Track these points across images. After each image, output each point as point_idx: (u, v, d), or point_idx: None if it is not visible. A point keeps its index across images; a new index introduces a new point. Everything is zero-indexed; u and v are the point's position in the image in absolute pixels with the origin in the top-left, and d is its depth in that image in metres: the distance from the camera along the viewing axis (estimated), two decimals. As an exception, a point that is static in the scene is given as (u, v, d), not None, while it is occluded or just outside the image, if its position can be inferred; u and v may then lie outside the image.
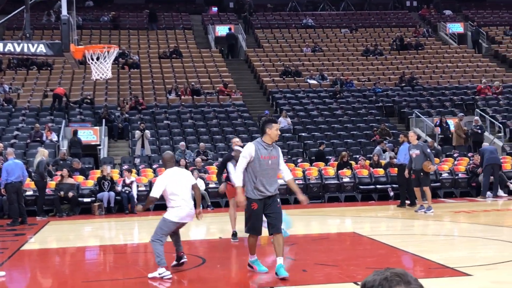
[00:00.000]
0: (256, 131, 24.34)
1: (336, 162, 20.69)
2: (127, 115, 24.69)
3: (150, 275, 8.27)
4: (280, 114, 25.24)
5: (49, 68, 28.58)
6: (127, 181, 18.37)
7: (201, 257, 10.18)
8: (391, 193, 19.30)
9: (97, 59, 9.11)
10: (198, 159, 20.22)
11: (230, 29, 33.66)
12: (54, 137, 22.35)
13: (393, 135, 23.45)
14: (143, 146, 22.31)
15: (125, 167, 20.28)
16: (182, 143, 21.89)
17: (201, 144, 21.99)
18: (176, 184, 8.36)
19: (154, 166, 20.83)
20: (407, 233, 12.91)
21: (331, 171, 20.20)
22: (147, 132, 22.54)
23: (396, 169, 17.65)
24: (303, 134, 24.08)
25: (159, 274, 8.20)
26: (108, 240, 13.89)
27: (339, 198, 19.73)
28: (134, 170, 20.11)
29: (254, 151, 7.86)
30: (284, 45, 33.28)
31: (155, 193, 8.28)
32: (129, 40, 31.64)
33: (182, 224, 8.70)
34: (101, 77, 9.18)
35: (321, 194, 19.83)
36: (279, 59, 31.31)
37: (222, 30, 33.92)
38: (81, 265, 10.20)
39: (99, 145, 22.71)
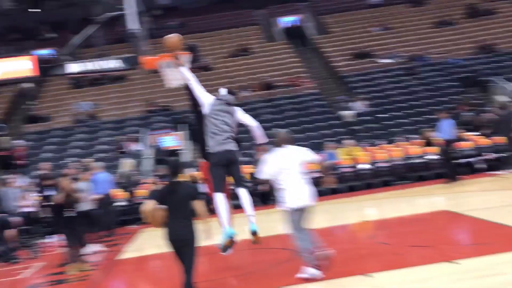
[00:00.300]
0: (334, 118, 24.17)
1: (421, 141, 20.24)
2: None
3: (299, 275, 7.68)
4: (355, 98, 24.92)
5: (126, 81, 29.32)
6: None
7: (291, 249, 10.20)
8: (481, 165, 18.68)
9: (168, 66, 9.25)
10: (279, 152, 20.25)
11: (295, 19, 33.52)
12: (138, 147, 22.96)
13: (477, 106, 22.70)
14: (224, 145, 22.54)
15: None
16: (262, 138, 21.97)
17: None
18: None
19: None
20: (504, 205, 12.38)
21: (416, 150, 19.79)
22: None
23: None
24: (381, 115, 23.69)
25: (308, 274, 7.58)
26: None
27: (427, 177, 19.28)
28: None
29: None
30: (352, 28, 32.79)
31: (264, 174, 7.93)
32: (199, 43, 32.01)
33: (304, 211, 7.96)
34: (173, 85, 9.32)
35: (408, 174, 19.44)
36: (349, 42, 30.90)
37: (287, 21, 33.81)
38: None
39: (183, 149, 23.15)
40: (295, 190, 7.77)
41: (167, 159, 7.15)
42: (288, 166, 7.80)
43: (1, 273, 12.17)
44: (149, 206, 6.79)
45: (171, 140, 23.52)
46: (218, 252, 8.28)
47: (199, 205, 6.76)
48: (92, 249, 12.73)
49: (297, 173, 7.83)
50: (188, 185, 7.11)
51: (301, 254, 7.69)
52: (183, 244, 6.70)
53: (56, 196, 10.72)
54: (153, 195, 6.96)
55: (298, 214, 7.85)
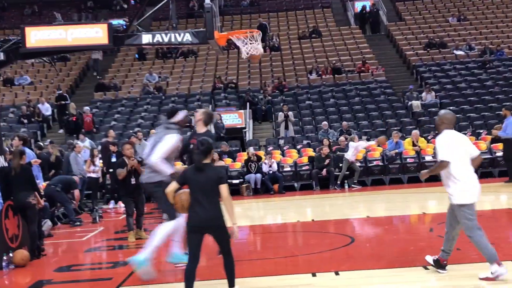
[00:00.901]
0: (400, 107, 23.76)
1: (489, 136, 19.68)
2: (270, 98, 25.05)
3: (481, 276, 6.69)
4: (424, 88, 24.43)
5: (194, 56, 29.63)
6: (267, 163, 18.67)
7: (349, 236, 10.14)
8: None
9: (244, 44, 9.26)
10: (342, 138, 20.10)
11: (369, 4, 32.98)
12: (202, 122, 23.16)
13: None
14: (286, 127, 22.54)
15: (270, 148, 20.63)
16: (325, 122, 21.85)
17: (344, 123, 21.82)
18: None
19: (298, 147, 20.99)
20: None
21: (483, 145, 19.25)
22: (291, 114, 22.71)
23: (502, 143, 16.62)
24: (451, 108, 23.11)
25: (492, 273, 6.57)
26: (258, 220, 14.21)
27: (492, 173, 18.77)
28: (278, 151, 20.41)
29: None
30: (427, 16, 32.08)
31: (447, 156, 6.69)
32: (269, 23, 31.98)
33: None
34: (254, 54, 9.30)
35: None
36: (422, 31, 30.25)
37: (361, 5, 33.33)
38: (232, 244, 10.49)
39: (245, 127, 23.25)
40: (472, 182, 6.80)
41: (201, 139, 6.42)
42: (463, 153, 6.77)
43: (64, 235, 12.55)
44: (171, 188, 6.38)
45: (234, 118, 23.64)
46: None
47: (224, 189, 6.21)
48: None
49: (469, 162, 6.83)
50: (214, 167, 6.49)
51: (483, 252, 6.76)
52: (212, 230, 6.23)
53: (121, 170, 10.93)
54: (177, 177, 6.48)
55: (473, 209, 6.84)
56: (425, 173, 7.28)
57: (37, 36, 9.21)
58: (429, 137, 20.42)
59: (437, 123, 6.98)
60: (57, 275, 8.51)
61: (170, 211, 7.41)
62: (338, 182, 18.37)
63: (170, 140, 7.74)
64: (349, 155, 18.31)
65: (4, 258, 8.84)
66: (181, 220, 7.54)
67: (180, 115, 8.03)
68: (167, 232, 7.65)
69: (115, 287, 7.39)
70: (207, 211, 6.13)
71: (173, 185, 6.36)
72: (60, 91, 25.11)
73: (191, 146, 8.00)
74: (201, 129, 8.17)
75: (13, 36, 10.22)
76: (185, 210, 6.33)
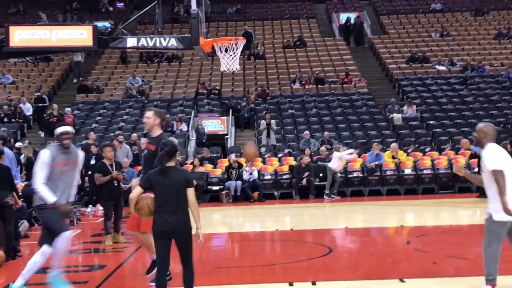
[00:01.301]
0: (382, 120, 23.92)
1: (468, 151, 19.87)
2: (252, 105, 25.08)
3: None
4: (405, 102, 24.62)
5: (178, 61, 29.60)
6: (248, 170, 18.69)
7: (327, 246, 10.17)
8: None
9: (226, 51, 9.30)
10: (323, 148, 20.18)
11: (353, 17, 33.20)
12: (184, 127, 23.15)
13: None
14: (268, 135, 22.57)
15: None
16: (307, 132, 21.93)
17: (326, 133, 21.91)
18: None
19: (280, 155, 21.03)
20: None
21: (462, 160, 19.44)
22: (273, 122, 22.76)
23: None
24: (431, 122, 23.33)
25: None
26: (236, 227, 14.20)
27: (470, 188, 18.93)
28: (259, 159, 20.43)
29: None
30: (410, 31, 32.35)
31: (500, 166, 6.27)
32: (254, 31, 32.06)
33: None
34: (229, 69, 9.35)
35: (451, 184, 19.14)
36: (405, 45, 30.49)
37: (346, 17, 33.53)
38: (210, 251, 10.50)
39: (227, 134, 23.26)
40: None
41: (164, 141, 6.24)
42: (509, 168, 6.38)
43: (39, 236, 12.43)
44: (134, 194, 6.03)
45: (216, 124, 23.64)
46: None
47: (191, 194, 5.97)
48: None
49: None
50: (182, 170, 6.36)
51: (488, 268, 6.50)
52: (177, 237, 5.96)
53: (100, 176, 10.88)
54: (141, 181, 6.18)
55: (509, 227, 6.53)
56: (465, 172, 6.92)
57: (21, 36, 9.17)
58: (408, 151, 20.60)
59: (480, 137, 6.57)
60: (33, 276, 8.41)
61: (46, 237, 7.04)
62: (327, 192, 18.37)
63: (42, 157, 6.97)
64: (334, 165, 18.36)
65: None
66: (58, 244, 6.98)
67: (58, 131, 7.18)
68: (39, 262, 7.12)
69: (91, 290, 7.34)
70: (173, 216, 5.89)
71: (137, 190, 6.03)
72: (39, 93, 24.92)
73: (145, 151, 7.46)
74: (156, 132, 7.48)
75: (-4, 35, 10.15)
76: (150, 215, 6.05)
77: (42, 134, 23.38)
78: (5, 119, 23.43)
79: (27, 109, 24.41)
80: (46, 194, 6.83)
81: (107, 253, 10.33)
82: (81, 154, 7.37)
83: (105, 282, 7.78)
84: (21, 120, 23.72)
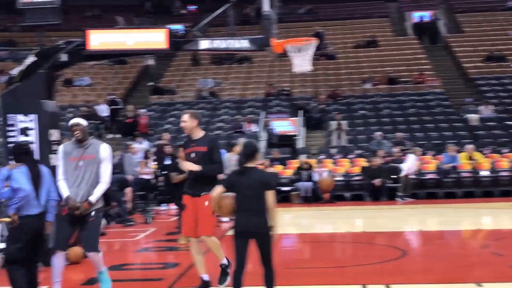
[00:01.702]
0: (457, 120, 23.33)
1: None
2: (323, 106, 24.97)
3: None
4: (482, 102, 23.93)
5: (248, 62, 29.79)
6: (319, 171, 18.58)
7: (401, 249, 10.01)
8: None
9: (298, 51, 9.29)
10: (395, 149, 19.85)
11: (427, 15, 32.53)
12: (254, 128, 23.29)
13: None
14: (339, 136, 22.41)
15: (321, 157, 20.54)
16: (379, 133, 21.63)
17: (398, 134, 21.55)
18: None
19: (350, 156, 20.84)
20: None
21: (541, 162, 18.74)
22: (344, 122, 22.57)
23: None
24: (509, 122, 22.57)
25: None
26: (306, 228, 14.16)
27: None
28: (330, 160, 20.31)
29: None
30: (487, 29, 31.41)
31: None
32: (325, 31, 31.84)
33: None
34: (301, 70, 9.33)
35: (530, 186, 18.47)
36: (482, 44, 29.63)
37: (420, 15, 32.90)
38: (280, 252, 10.50)
39: (297, 135, 23.23)
40: None
41: (243, 143, 6.38)
42: None
43: (116, 234, 12.79)
44: (216, 192, 6.18)
45: (286, 125, 23.65)
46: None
47: (269, 196, 6.02)
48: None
49: None
50: (262, 171, 6.50)
51: None
52: (257, 237, 6.02)
53: (175, 175, 11.07)
54: (224, 181, 6.32)
55: None
56: None
57: (99, 39, 9.43)
58: (485, 152, 20.00)
59: None
60: (109, 273, 8.67)
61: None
62: (400, 194, 18.09)
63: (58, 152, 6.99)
64: (407, 167, 18.07)
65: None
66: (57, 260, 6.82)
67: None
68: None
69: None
70: (252, 216, 5.97)
71: (219, 188, 6.17)
72: (113, 96, 25.47)
73: (192, 155, 7.23)
74: (199, 133, 7.37)
75: (75, 39, 10.49)
76: (231, 215, 6.23)
77: (112, 135, 23.93)
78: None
79: (102, 110, 25.08)
80: (62, 189, 6.74)
81: (181, 251, 10.49)
82: (104, 149, 6.94)
83: (179, 280, 7.92)
84: (98, 122, 24.40)
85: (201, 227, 7.13)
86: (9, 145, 9.26)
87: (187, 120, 7.31)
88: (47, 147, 9.33)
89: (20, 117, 9.27)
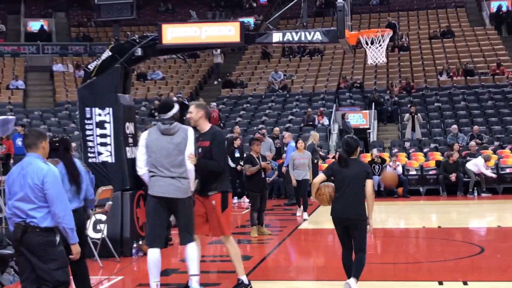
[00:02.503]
0: (537, 113, 22.43)
1: None
2: (396, 98, 24.50)
3: None
4: None
5: (320, 55, 29.57)
6: (392, 165, 18.21)
7: (479, 245, 9.69)
8: None
9: (372, 43, 9.12)
10: (472, 143, 19.25)
11: (506, 4, 31.38)
12: (325, 121, 23.10)
13: None
14: (413, 129, 21.92)
15: (395, 150, 20.16)
16: (455, 126, 21.04)
17: (475, 127, 20.90)
18: None
19: (425, 150, 20.37)
20: None
21: None
22: (419, 115, 22.05)
23: None
24: None
25: None
26: (379, 223, 13.91)
27: None
28: (404, 154, 19.91)
29: None
30: None
31: None
32: (399, 22, 31.28)
33: None
34: (376, 62, 9.15)
35: None
36: None
37: (497, 5, 31.78)
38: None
39: (369, 128, 22.90)
40: None
41: (345, 138, 6.70)
42: None
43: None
44: (318, 180, 6.59)
45: (358, 118, 23.34)
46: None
47: (369, 185, 6.44)
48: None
49: None
50: (361, 163, 6.91)
51: None
52: (349, 224, 6.42)
53: (249, 167, 11.07)
54: (325, 169, 6.76)
55: None
56: None
57: (173, 33, 9.52)
58: None
59: None
60: (183, 265, 8.76)
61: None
62: (470, 190, 17.58)
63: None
64: (475, 166, 17.57)
65: (134, 245, 9.24)
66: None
67: (176, 109, 6.78)
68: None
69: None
70: (350, 204, 6.36)
71: (321, 176, 6.56)
72: (180, 95, 25.19)
73: (199, 150, 6.72)
74: (205, 126, 6.91)
75: (149, 33, 10.63)
76: (330, 202, 6.53)
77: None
78: (156, 114, 24.59)
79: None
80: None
81: (253, 244, 10.52)
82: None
83: (251, 273, 7.92)
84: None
85: (213, 229, 6.89)
86: (87, 137, 9.53)
87: (192, 111, 6.90)
88: (123, 140, 9.51)
89: (97, 110, 9.48)
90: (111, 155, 9.47)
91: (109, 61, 9.60)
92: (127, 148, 9.60)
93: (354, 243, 6.45)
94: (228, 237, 6.93)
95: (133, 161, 9.65)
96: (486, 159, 17.68)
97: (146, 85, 28.52)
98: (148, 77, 29.08)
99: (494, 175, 17.73)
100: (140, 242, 9.30)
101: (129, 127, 9.74)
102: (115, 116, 9.48)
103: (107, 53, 9.67)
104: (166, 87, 28.14)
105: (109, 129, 9.49)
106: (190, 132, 6.57)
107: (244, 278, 6.98)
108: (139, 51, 9.59)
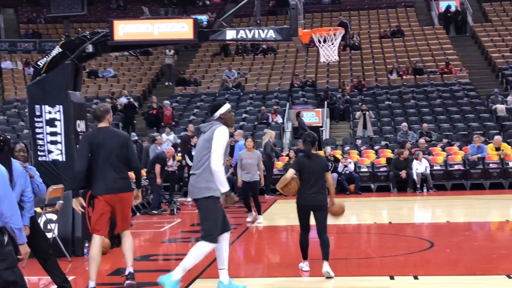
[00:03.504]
0: (484, 111, 23.00)
1: None
2: (348, 97, 24.79)
3: None
4: (509, 92, 23.57)
5: (273, 53, 29.69)
6: (343, 163, 18.44)
7: (428, 240, 9.90)
8: None
9: (324, 41, 9.20)
10: (422, 140, 19.64)
11: (453, 4, 32.07)
12: (279, 119, 23.21)
13: None
14: (364, 127, 22.23)
15: (347, 148, 20.41)
16: (405, 124, 21.43)
17: (424, 124, 21.33)
18: None
19: (376, 148, 20.68)
20: None
21: None
22: (370, 113, 22.38)
23: None
24: (537, 113, 22.22)
25: None
26: (332, 219, 14.04)
27: None
28: (355, 151, 20.17)
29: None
30: (515, 18, 30.96)
31: None
32: (350, 21, 31.65)
33: None
34: (328, 60, 9.24)
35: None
36: (509, 33, 29.18)
37: (446, 5, 32.45)
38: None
39: (322, 126, 23.11)
40: None
41: (306, 133, 7.60)
42: None
43: (142, 225, 12.85)
44: (289, 175, 7.42)
45: (311, 116, 23.53)
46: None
47: (329, 176, 7.49)
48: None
49: None
50: (321, 156, 7.94)
51: None
52: (316, 209, 7.42)
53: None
54: (293, 165, 7.58)
55: None
56: None
57: (125, 30, 9.42)
58: (513, 143, 19.72)
59: None
60: (136, 264, 8.69)
61: (214, 231, 6.49)
62: (418, 186, 17.95)
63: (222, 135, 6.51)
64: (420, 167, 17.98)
65: (86, 245, 9.10)
66: (221, 244, 6.67)
67: (223, 109, 6.76)
68: (201, 253, 6.56)
69: (192, 279, 7.47)
70: (317, 193, 7.38)
71: (291, 171, 7.42)
72: (129, 98, 24.27)
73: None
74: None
75: (100, 29, 10.49)
76: (296, 193, 7.48)
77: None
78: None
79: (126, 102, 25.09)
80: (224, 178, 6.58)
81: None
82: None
83: (205, 271, 7.91)
84: (122, 113, 24.43)
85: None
86: (37, 136, 9.35)
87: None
88: (74, 138, 9.37)
89: (47, 108, 9.32)
90: (61, 153, 9.32)
91: (60, 58, 9.44)
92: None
93: (318, 225, 7.44)
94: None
95: (84, 159, 9.54)
96: (416, 157, 18.08)
97: (97, 83, 28.13)
98: (99, 75, 28.68)
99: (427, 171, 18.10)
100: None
101: (80, 125, 9.60)
102: (65, 114, 9.33)
103: (57, 50, 9.50)
104: (118, 85, 27.82)
105: (59, 127, 9.34)
106: (218, 130, 6.50)
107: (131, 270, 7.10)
108: (90, 48, 9.46)
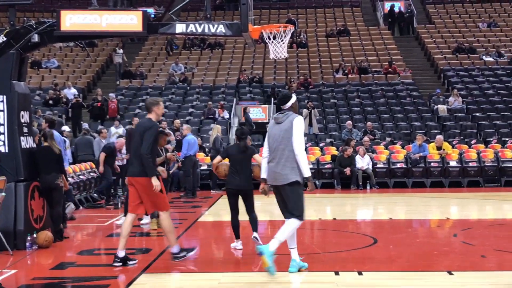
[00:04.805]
0: (426, 111, 23.56)
1: (514, 144, 19.46)
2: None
3: None
4: (451, 93, 24.23)
5: (220, 48, 29.64)
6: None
7: (372, 236, 10.08)
8: None
9: (274, 38, 9.24)
10: (366, 138, 19.98)
11: (399, 5, 32.73)
12: (226, 114, 23.20)
13: None
14: (310, 124, 22.45)
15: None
16: (349, 122, 21.74)
17: (368, 123, 21.70)
18: None
19: (321, 145, 20.91)
20: None
21: (509, 153, 19.04)
22: (316, 111, 22.61)
23: None
24: (477, 114, 22.89)
25: None
26: (277, 215, 14.14)
27: (516, 182, 18.57)
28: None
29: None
30: (457, 21, 31.79)
31: None
32: (297, 19, 31.88)
33: None
34: (278, 57, 9.29)
35: (497, 177, 18.80)
36: (451, 35, 29.97)
37: (390, 6, 33.05)
38: (250, 239, 10.48)
39: (268, 122, 23.19)
40: None
41: (240, 128, 9.04)
42: None
43: (86, 219, 12.65)
44: (216, 161, 8.70)
45: (258, 112, 23.62)
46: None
47: (258, 158, 8.33)
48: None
49: None
50: (250, 147, 8.96)
51: None
52: (243, 193, 8.54)
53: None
54: (223, 152, 8.90)
55: None
56: None
57: (72, 20, 9.24)
58: (454, 142, 20.26)
59: None
60: (80, 258, 8.57)
61: (304, 211, 7.36)
62: (360, 183, 18.28)
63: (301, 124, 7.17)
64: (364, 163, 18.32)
65: (28, 238, 8.92)
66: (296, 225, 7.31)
67: (293, 99, 7.36)
68: (293, 229, 7.32)
69: (138, 273, 7.41)
70: (242, 177, 8.48)
71: (218, 158, 8.66)
72: (76, 95, 23.35)
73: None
74: None
75: (47, 19, 10.25)
76: (225, 177, 8.61)
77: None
78: (51, 103, 23.76)
79: (72, 94, 24.64)
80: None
81: (152, 237, 10.44)
82: None
83: (152, 265, 7.86)
84: (66, 104, 23.98)
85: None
86: (-21, 126, 9.08)
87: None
88: (17, 129, 9.15)
89: (-11, 98, 9.06)
90: (4, 144, 9.10)
91: (4, 47, 9.20)
92: (22, 138, 9.24)
93: (247, 206, 8.63)
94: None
95: (28, 151, 9.34)
96: (359, 153, 18.51)
97: (41, 74, 27.49)
98: (42, 65, 28.03)
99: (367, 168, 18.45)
100: (35, 235, 8.99)
101: (24, 116, 9.38)
102: (9, 104, 9.11)
103: (1, 39, 9.25)
104: (62, 76, 27.26)
105: (2, 117, 9.12)
106: (296, 120, 7.16)
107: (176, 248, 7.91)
108: (36, 37, 9.24)
